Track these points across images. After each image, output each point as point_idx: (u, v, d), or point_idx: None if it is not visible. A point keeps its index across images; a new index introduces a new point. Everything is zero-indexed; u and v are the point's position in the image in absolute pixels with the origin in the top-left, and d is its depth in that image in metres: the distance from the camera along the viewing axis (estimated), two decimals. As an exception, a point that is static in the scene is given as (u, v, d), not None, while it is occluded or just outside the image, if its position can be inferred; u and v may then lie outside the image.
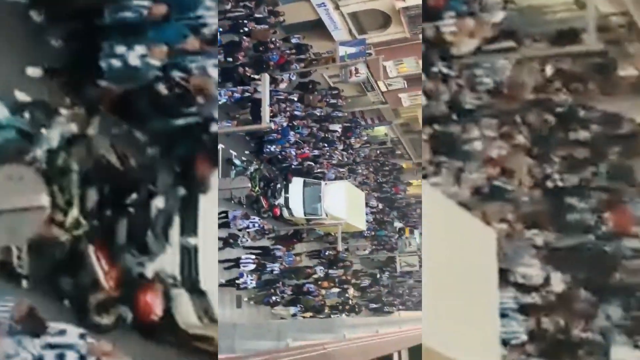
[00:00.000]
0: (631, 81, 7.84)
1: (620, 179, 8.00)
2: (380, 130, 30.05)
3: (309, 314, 17.93)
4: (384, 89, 27.56)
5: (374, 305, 25.86)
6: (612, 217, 7.60)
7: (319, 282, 19.53)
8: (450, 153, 7.54)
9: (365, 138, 26.75)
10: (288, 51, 18.67)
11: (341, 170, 23.05)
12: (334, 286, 20.61)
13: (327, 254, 21.90)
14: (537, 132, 7.89)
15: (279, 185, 18.65)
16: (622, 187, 7.96)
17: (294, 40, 19.78)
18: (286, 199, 19.09)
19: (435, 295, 5.62)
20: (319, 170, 20.72)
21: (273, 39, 18.04)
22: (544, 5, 7.98)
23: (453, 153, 7.55)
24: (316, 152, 20.59)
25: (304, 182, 19.99)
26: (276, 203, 18.62)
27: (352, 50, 23.43)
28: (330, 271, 20.44)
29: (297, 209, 19.62)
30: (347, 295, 21.98)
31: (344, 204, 21.58)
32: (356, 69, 24.36)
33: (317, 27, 22.31)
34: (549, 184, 7.68)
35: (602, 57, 7.82)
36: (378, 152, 29.44)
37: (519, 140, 7.86)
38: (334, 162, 22.09)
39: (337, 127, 22.64)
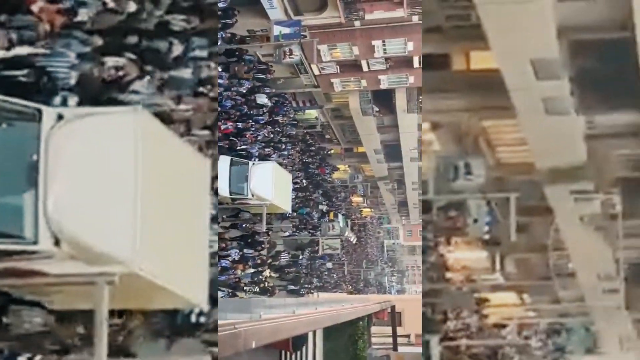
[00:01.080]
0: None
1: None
2: (311, 114, 30.12)
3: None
4: (316, 72, 27.60)
5: (293, 287, 26.03)
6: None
7: (234, 265, 19.34)
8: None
9: (292, 116, 26.56)
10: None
11: (267, 149, 22.74)
12: (248, 267, 20.46)
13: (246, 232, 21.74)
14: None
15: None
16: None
17: (220, 4, 18.89)
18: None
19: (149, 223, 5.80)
20: (242, 147, 20.30)
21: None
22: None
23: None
24: (240, 125, 20.11)
25: (231, 160, 19.69)
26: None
27: (287, 30, 23.22)
28: (246, 251, 20.24)
29: (223, 187, 19.28)
30: (261, 277, 21.96)
31: (270, 185, 21.46)
32: (290, 50, 24.19)
33: (253, 4, 21.92)
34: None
35: None
36: (307, 134, 29.46)
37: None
38: (259, 137, 21.71)
39: (264, 99, 22.15)
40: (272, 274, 24.24)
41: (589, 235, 9.32)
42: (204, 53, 7.15)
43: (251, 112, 21.27)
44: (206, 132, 7.17)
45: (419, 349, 28.72)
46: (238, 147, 20.26)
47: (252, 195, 20.75)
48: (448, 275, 9.84)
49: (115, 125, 6.10)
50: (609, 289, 9.68)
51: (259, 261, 22.17)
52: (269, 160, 23.20)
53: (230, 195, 19.88)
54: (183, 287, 6.23)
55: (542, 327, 10.14)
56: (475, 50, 9.17)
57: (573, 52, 8.94)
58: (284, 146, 24.79)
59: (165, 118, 6.63)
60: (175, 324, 6.74)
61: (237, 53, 21.02)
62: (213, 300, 6.64)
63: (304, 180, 27.11)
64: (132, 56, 6.77)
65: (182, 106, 7.05)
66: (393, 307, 29.64)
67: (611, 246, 9.44)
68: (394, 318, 29.76)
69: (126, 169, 6.06)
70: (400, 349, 29.45)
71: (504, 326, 9.97)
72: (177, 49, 7.04)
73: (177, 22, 7.13)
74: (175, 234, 6.28)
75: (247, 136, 20.99)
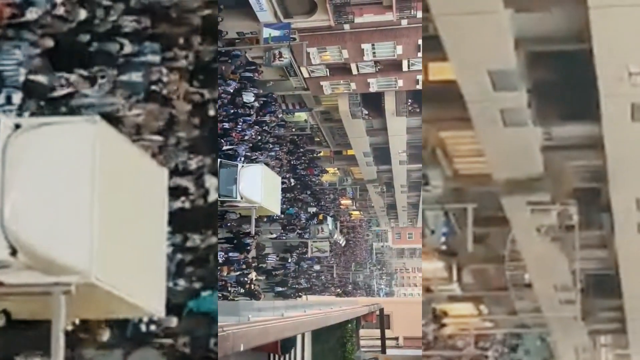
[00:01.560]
0: None
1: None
2: (301, 116, 30.18)
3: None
4: (306, 75, 27.65)
5: (280, 289, 26.07)
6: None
7: (218, 267, 19.39)
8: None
9: (280, 116, 26.58)
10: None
11: (255, 152, 22.77)
12: (232, 270, 20.48)
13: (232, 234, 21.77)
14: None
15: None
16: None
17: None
18: None
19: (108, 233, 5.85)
20: (228, 147, 20.31)
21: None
22: None
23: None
24: (226, 125, 20.10)
25: (220, 162, 19.71)
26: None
27: (276, 33, 23.30)
28: (231, 254, 20.28)
29: None
30: (246, 279, 22.00)
31: (260, 187, 21.48)
32: (280, 53, 24.28)
33: (242, 6, 21.99)
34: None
35: None
36: (296, 137, 29.52)
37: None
38: (246, 137, 21.71)
39: (250, 97, 22.11)
40: (258, 277, 24.26)
41: (545, 246, 9.34)
42: (156, 58, 7.18)
43: (237, 111, 21.27)
44: (158, 137, 7.18)
45: (408, 352, 28.77)
46: (224, 147, 20.26)
47: (241, 198, 20.75)
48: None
49: (73, 135, 6.16)
50: (566, 299, 9.70)
51: (243, 265, 22.20)
52: (257, 161, 23.25)
53: (219, 197, 19.90)
54: (140, 296, 6.27)
55: (499, 338, 10.17)
56: (434, 62, 9.18)
57: (530, 64, 8.96)
58: (271, 146, 24.77)
59: (115, 122, 6.68)
60: (130, 333, 6.78)
61: (223, 52, 21.08)
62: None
63: (292, 180, 27.12)
64: (84, 72, 6.83)
65: (133, 111, 7.10)
66: (382, 310, 29.68)
67: (568, 257, 9.46)
68: (383, 321, 29.77)
69: (83, 179, 6.11)
70: (389, 351, 29.45)
71: (460, 337, 10.00)
72: (128, 51, 7.06)
73: (129, 23, 7.16)
74: (132, 243, 6.33)
75: (234, 135, 21.00)
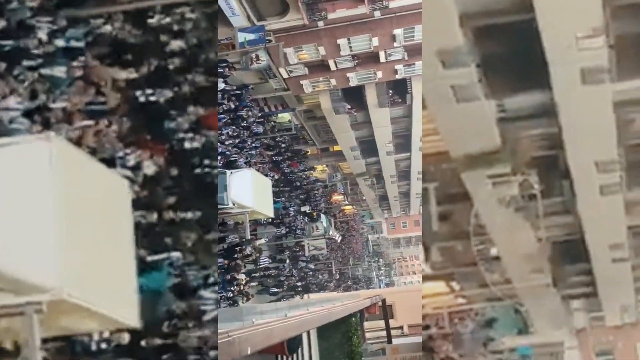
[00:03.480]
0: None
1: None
2: (285, 117, 30.25)
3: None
4: (285, 75, 27.74)
5: (275, 290, 26.13)
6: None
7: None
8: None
9: (258, 113, 26.58)
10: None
11: (233, 149, 22.71)
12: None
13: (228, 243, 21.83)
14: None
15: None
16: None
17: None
18: None
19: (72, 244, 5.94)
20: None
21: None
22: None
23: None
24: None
25: None
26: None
27: (251, 36, 23.36)
28: (224, 260, 20.33)
29: None
30: (235, 284, 22.06)
31: (251, 192, 21.54)
32: (257, 56, 24.34)
33: (213, 13, 21.99)
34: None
35: None
36: (280, 138, 29.60)
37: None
38: (222, 136, 21.66)
39: (221, 85, 21.76)
40: (246, 280, 24.26)
41: (509, 217, 9.43)
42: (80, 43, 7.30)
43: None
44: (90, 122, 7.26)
45: (413, 339, 28.80)
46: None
47: (233, 204, 20.81)
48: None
49: (30, 154, 6.25)
50: (535, 268, 9.78)
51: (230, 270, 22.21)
52: (238, 162, 23.33)
53: None
54: (113, 308, 6.34)
55: (473, 314, 10.23)
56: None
57: (477, 38, 9.08)
58: (251, 143, 24.71)
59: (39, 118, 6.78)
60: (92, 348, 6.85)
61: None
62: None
63: (275, 175, 27.18)
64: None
65: (57, 104, 7.21)
66: (384, 301, 29.75)
67: (533, 226, 9.54)
68: (386, 311, 29.87)
69: (44, 198, 6.19)
70: (395, 340, 29.53)
71: (435, 316, 10.08)
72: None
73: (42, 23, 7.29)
74: (100, 256, 6.42)
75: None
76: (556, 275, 9.83)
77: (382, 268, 56.00)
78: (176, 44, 9.13)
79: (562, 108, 8.95)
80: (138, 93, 8.36)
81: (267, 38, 23.88)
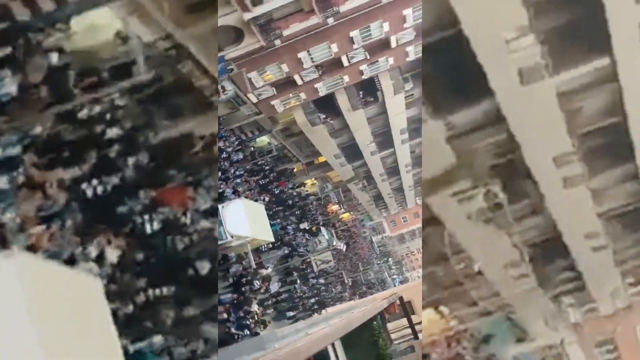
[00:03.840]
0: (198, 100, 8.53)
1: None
2: (263, 141, 30.22)
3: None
4: (255, 100, 27.70)
5: (292, 313, 26.14)
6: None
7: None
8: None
9: (235, 141, 26.66)
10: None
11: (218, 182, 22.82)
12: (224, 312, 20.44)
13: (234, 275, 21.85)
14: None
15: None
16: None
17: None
18: None
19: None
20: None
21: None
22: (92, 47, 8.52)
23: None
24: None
25: None
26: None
27: (212, 70, 23.22)
28: (222, 297, 20.29)
29: None
30: (249, 317, 22.07)
31: (246, 221, 21.53)
32: (222, 87, 24.32)
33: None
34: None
35: (157, 84, 8.49)
36: (266, 161, 29.60)
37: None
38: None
39: None
40: (260, 309, 24.28)
41: (482, 230, 9.40)
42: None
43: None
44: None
45: (440, 331, 28.59)
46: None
47: (232, 237, 20.85)
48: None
49: None
50: (519, 274, 9.75)
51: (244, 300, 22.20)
52: (225, 193, 23.35)
53: None
54: None
55: (469, 334, 10.22)
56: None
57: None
58: (234, 172, 24.75)
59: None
60: None
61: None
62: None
63: (265, 198, 27.23)
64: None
65: (7, 215, 7.32)
66: (401, 299, 29.69)
67: (507, 234, 9.50)
68: (405, 308, 29.80)
69: (21, 316, 6.20)
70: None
71: (432, 343, 10.06)
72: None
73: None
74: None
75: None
76: (541, 277, 9.80)
77: (392, 267, 55.87)
78: (112, 132, 9.23)
79: (508, 112, 8.92)
80: (84, 186, 8.47)
81: (228, 67, 23.87)
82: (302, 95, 28.33)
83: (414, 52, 27.32)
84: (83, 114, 9.04)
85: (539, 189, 9.23)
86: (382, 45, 26.46)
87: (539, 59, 8.76)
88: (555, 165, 9.04)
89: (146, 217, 8.82)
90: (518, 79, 8.90)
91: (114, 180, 8.87)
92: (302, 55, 26.26)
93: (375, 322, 24.58)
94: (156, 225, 8.98)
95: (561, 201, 9.28)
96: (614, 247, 9.75)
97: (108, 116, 9.04)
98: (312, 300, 28.55)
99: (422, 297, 9.46)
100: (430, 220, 9.19)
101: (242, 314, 22.00)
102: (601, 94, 8.69)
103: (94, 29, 9.18)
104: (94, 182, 8.60)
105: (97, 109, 9.10)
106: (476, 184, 9.11)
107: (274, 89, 27.77)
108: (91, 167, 8.74)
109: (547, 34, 8.77)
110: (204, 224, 9.40)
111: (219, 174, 23.72)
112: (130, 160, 9.11)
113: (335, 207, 38.80)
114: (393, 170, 42.31)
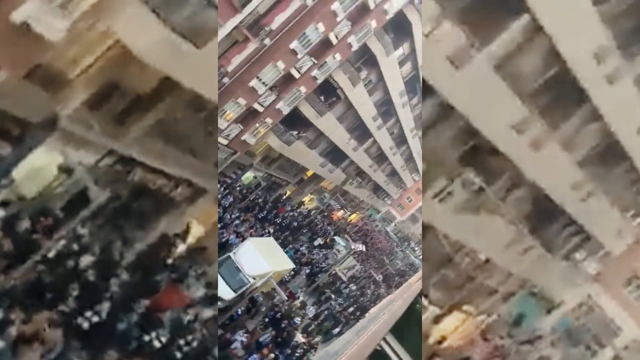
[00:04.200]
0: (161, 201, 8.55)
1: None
2: (248, 177, 30.22)
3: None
4: (225, 142, 27.66)
5: (338, 329, 26.19)
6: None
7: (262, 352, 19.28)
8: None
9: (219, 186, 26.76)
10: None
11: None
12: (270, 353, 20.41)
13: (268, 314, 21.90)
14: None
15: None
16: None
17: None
18: None
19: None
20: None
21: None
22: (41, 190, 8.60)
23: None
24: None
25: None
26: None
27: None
28: (262, 339, 20.26)
29: (225, 292, 19.38)
30: (298, 349, 22.09)
31: (261, 259, 21.67)
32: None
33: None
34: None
35: (115, 201, 8.58)
36: (257, 195, 29.61)
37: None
38: None
39: None
40: (305, 336, 24.30)
41: (473, 220, 9.36)
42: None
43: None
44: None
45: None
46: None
47: (254, 279, 20.93)
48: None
49: None
50: (523, 249, 9.72)
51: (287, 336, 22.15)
52: (233, 241, 23.39)
53: (236, 292, 20.01)
54: None
55: (498, 322, 10.18)
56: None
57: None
58: (230, 217, 24.78)
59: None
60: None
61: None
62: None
63: (270, 229, 27.31)
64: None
65: None
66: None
67: (498, 215, 9.47)
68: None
69: None
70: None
71: (470, 343, 10.01)
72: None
73: None
74: None
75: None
76: (545, 242, 9.77)
77: (415, 248, 55.91)
78: (86, 260, 9.21)
79: (454, 102, 8.88)
80: (80, 320, 8.42)
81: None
82: (268, 121, 28.27)
83: (356, 41, 27.27)
84: (51, 254, 9.01)
85: (511, 161, 9.19)
86: (325, 46, 26.42)
87: (463, 41, 8.72)
88: (517, 133, 9.00)
89: (153, 333, 8.80)
90: (451, 66, 8.85)
91: (105, 305, 8.84)
92: (253, 83, 26.19)
93: (417, 305, 24.59)
94: (164, 335, 8.98)
95: (536, 165, 9.24)
96: (603, 188, 9.71)
97: (75, 247, 9.00)
98: (351, 309, 28.54)
99: (440, 305, 9.45)
100: (425, 229, 9.17)
101: (289, 351, 21.99)
102: (533, 50, 8.64)
103: (36, 172, 9.16)
104: (88, 313, 8.57)
105: (61, 244, 9.02)
106: (450, 177, 9.08)
107: (240, 125, 27.71)
108: (77, 300, 8.72)
109: (461, 15, 8.72)
110: (207, 312, 9.39)
111: (218, 224, 23.75)
112: (114, 281, 9.07)
113: (340, 213, 38.75)
114: (380, 158, 42.24)
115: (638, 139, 9.69)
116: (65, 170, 9.19)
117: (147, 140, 8.87)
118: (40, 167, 9.37)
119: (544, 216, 9.69)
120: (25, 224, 9.05)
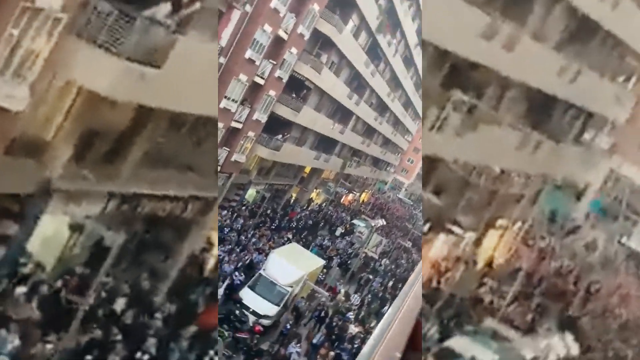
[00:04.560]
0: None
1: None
2: (252, 194, 30.26)
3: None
4: (218, 168, 27.65)
5: (386, 307, 26.17)
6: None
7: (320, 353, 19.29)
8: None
9: (225, 213, 26.89)
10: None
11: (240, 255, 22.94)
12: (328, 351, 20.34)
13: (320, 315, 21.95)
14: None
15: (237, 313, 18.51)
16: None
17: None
18: (254, 313, 18.95)
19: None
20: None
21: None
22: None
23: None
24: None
25: (248, 287, 20.07)
26: (251, 324, 18.47)
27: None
28: (316, 341, 20.23)
29: (268, 309, 19.54)
30: (355, 341, 22.01)
31: (291, 266, 21.88)
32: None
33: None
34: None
35: (133, 240, 8.67)
36: (264, 208, 29.65)
37: None
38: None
39: None
40: (357, 325, 24.22)
41: (475, 138, 9.37)
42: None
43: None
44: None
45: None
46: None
47: (291, 287, 21.07)
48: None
49: None
50: (532, 148, 9.71)
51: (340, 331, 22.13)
52: (257, 259, 23.49)
53: (278, 305, 20.11)
54: None
55: (534, 225, 10.13)
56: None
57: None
58: (245, 237, 24.85)
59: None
60: None
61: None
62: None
63: (299, 235, 27.30)
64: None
65: None
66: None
67: (497, 123, 9.48)
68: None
69: None
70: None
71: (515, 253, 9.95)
72: None
73: None
74: None
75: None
76: (551, 133, 9.78)
77: None
78: (120, 303, 9.21)
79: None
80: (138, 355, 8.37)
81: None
82: (251, 134, 28.32)
83: (306, 29, 27.33)
84: (81, 311, 8.91)
85: (490, 68, 9.19)
86: (278, 44, 26.45)
87: None
88: (486, 40, 9.00)
89: (211, 352, 8.82)
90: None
91: (151, 341, 8.81)
92: (224, 103, 26.23)
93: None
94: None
95: (516, 64, 9.23)
96: (587, 64, 9.71)
97: (104, 295, 8.99)
98: (391, 283, 28.58)
99: (474, 229, 9.43)
100: (431, 162, 9.14)
101: (349, 345, 21.95)
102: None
103: (49, 240, 9.19)
104: (137, 354, 8.56)
105: (91, 299, 8.97)
106: (441, 106, 9.05)
107: (225, 147, 27.74)
108: (120, 345, 8.69)
109: None
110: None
111: (237, 248, 23.83)
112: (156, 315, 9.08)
113: (350, 197, 38.73)
114: (369, 131, 42.29)
115: (602, 5, 9.69)
116: (77, 228, 9.21)
117: (141, 171, 8.90)
118: (51, 235, 9.39)
119: (541, 110, 9.68)
120: (51, 291, 9.09)
